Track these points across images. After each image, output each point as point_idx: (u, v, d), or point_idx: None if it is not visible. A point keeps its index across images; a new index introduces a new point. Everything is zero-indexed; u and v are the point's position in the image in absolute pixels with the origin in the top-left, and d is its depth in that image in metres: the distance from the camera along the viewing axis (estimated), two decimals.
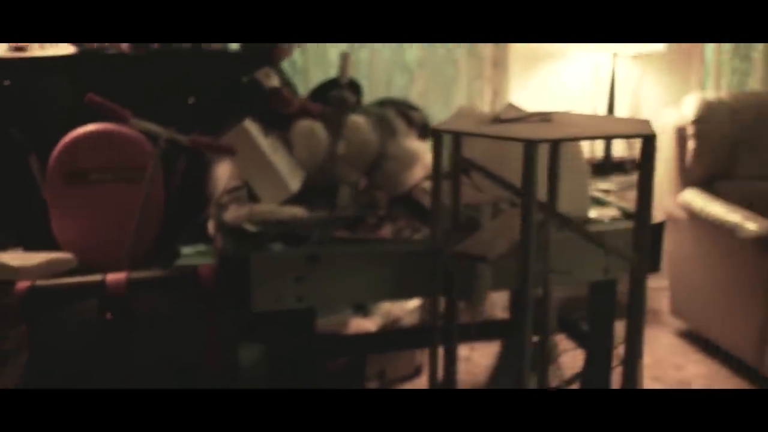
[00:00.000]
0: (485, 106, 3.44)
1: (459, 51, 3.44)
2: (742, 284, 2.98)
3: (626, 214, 2.24)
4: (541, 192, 1.99)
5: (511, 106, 2.77)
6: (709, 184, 3.33)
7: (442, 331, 1.93)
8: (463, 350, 3.13)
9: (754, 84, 3.83)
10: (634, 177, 3.53)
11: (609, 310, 2.33)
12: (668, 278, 3.52)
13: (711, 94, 3.36)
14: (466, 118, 1.86)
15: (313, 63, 3.31)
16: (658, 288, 3.84)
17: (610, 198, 2.49)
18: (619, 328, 3.20)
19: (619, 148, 3.72)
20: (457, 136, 1.86)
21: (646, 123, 1.75)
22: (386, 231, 2.16)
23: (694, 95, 3.34)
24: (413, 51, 3.42)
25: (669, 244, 3.47)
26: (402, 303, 2.92)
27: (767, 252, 2.82)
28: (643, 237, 1.71)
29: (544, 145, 2.01)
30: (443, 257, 1.81)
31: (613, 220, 2.24)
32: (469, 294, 1.95)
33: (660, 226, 2.27)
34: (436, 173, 1.76)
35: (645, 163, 1.67)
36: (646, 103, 3.73)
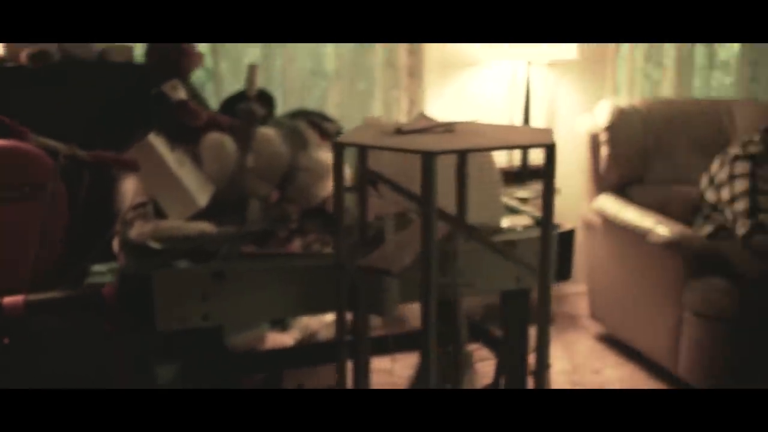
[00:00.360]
0: (402, 115, 3.43)
1: (375, 61, 3.43)
2: (655, 288, 3.04)
3: (539, 222, 2.25)
4: (451, 203, 1.99)
5: (422, 116, 2.76)
6: (622, 189, 3.38)
7: (351, 345, 1.91)
8: (384, 362, 3.12)
9: (666, 91, 3.91)
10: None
11: (522, 318, 2.33)
12: (586, 283, 3.56)
13: (623, 101, 3.42)
14: (370, 129, 1.84)
15: (229, 73, 3.26)
16: (578, 293, 3.90)
17: (527, 206, 2.50)
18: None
19: (538, 156, 3.76)
20: (363, 149, 1.84)
21: (548, 132, 1.76)
22: (296, 245, 2.12)
23: (606, 102, 3.39)
24: (329, 61, 3.40)
25: (586, 249, 3.51)
26: (320, 316, 2.88)
27: (677, 256, 2.87)
28: (547, 246, 1.71)
29: (451, 155, 2.02)
30: (348, 271, 1.79)
31: (526, 228, 2.25)
32: (377, 307, 1.93)
33: (570, 234, 2.29)
34: (337, 187, 1.73)
35: (546, 173, 1.67)
36: (562, 111, 3.78)
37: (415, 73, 3.41)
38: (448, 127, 1.79)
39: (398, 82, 3.43)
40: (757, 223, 2.72)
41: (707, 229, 3.03)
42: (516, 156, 3.63)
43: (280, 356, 2.58)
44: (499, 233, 2.17)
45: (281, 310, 2.08)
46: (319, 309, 2.09)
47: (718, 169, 2.98)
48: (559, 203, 3.79)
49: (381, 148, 1.62)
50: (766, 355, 2.72)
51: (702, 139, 3.47)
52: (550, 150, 1.65)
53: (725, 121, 3.53)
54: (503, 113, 3.63)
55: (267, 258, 2.02)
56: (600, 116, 3.35)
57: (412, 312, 3.27)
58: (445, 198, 2.04)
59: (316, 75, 3.44)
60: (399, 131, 1.75)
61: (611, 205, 3.26)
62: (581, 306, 3.81)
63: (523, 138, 1.73)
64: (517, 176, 3.53)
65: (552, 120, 3.76)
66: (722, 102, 3.61)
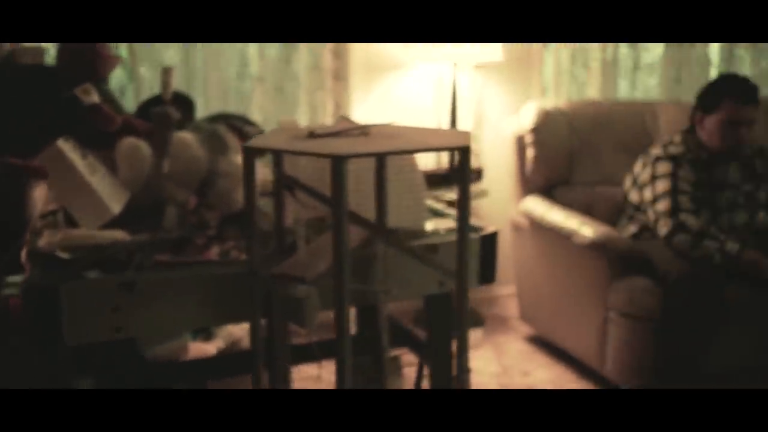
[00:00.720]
0: (328, 118, 3.39)
1: (300, 63, 3.39)
2: (581, 288, 3.05)
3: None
4: (372, 207, 1.96)
5: (343, 119, 2.72)
6: (549, 191, 3.40)
7: (267, 354, 1.86)
8: (311, 369, 3.07)
9: (592, 92, 3.96)
10: (480, 186, 3.57)
11: (445, 322, 2.31)
12: (515, 285, 3.57)
13: (549, 103, 3.44)
14: (283, 133, 1.79)
15: (150, 75, 3.17)
16: (509, 294, 3.91)
17: (453, 209, 2.49)
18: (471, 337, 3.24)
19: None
20: (278, 153, 1.79)
21: (464, 135, 1.74)
22: (214, 252, 2.06)
23: (532, 104, 3.41)
24: (253, 63, 3.34)
25: (514, 251, 3.52)
26: (243, 324, 2.82)
27: (602, 257, 2.89)
28: (464, 250, 1.69)
29: (371, 159, 1.98)
30: (262, 279, 1.74)
31: (449, 231, 2.23)
32: (296, 316, 1.89)
33: (493, 237, 2.27)
34: (249, 193, 1.68)
35: (461, 176, 1.65)
36: (489, 113, 3.79)
37: (340, 75, 3.38)
38: (363, 130, 1.76)
39: (323, 85, 3.39)
40: (679, 222, 2.75)
41: (631, 229, 3.06)
42: (445, 158, 3.62)
43: (201, 366, 2.52)
44: (422, 237, 2.15)
45: (197, 320, 2.02)
46: (237, 318, 2.03)
47: (640, 169, 3.01)
48: (489, 205, 3.81)
49: (291, 153, 1.58)
50: (690, 354, 2.74)
51: (627, 140, 3.50)
52: (465, 153, 1.63)
53: (649, 122, 3.57)
54: (430, 116, 3.62)
55: (182, 266, 1.95)
56: (525, 118, 3.36)
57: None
58: (367, 202, 2.01)
59: (239, 78, 3.38)
60: (312, 135, 1.71)
61: (538, 206, 3.27)
62: (512, 308, 3.82)
63: (438, 141, 1.70)
64: (445, 178, 3.51)
65: (479, 122, 3.77)
66: (646, 103, 3.66)
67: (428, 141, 1.68)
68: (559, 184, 3.42)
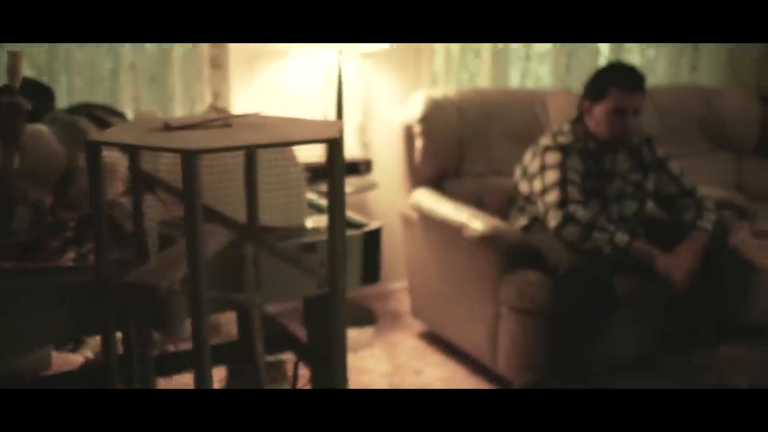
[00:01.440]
0: (206, 109, 3.20)
1: (175, 51, 3.18)
2: (472, 283, 2.97)
3: (349, 222, 2.10)
4: (240, 205, 1.81)
5: (213, 109, 2.53)
6: (439, 182, 3.31)
7: (126, 367, 1.69)
8: (185, 378, 2.89)
9: (484, 81, 3.88)
10: (370, 178, 3.45)
11: (326, 323, 2.18)
12: (407, 280, 3.47)
13: (438, 92, 3.34)
14: (137, 126, 1.62)
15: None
16: (402, 289, 3.81)
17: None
18: (356, 334, 3.14)
19: (353, 151, 3.63)
20: (134, 148, 1.62)
21: (335, 125, 1.60)
22: (68, 257, 1.87)
23: (420, 93, 3.30)
24: (125, 50, 3.11)
25: (405, 245, 3.42)
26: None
27: (491, 250, 2.81)
28: (335, 250, 1.56)
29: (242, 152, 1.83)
30: (113, 288, 1.56)
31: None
32: (163, 325, 1.72)
33: (376, 233, 2.15)
34: (94, 193, 1.50)
35: (330, 170, 1.52)
36: (378, 102, 3.67)
37: (219, 64, 3.19)
38: (226, 122, 1.61)
39: (201, 74, 3.20)
40: (568, 214, 2.69)
41: (522, 221, 2.99)
42: None
43: (60, 381, 2.30)
44: (300, 235, 2.01)
45: (45, 335, 1.82)
46: (89, 330, 1.84)
47: (530, 160, 2.94)
48: (380, 197, 3.70)
49: (137, 147, 1.41)
50: (581, 347, 2.70)
51: (517, 129, 3.45)
52: (334, 145, 1.50)
53: (540, 111, 3.53)
54: (316, 106, 3.48)
55: (30, 273, 1.76)
56: (414, 108, 3.25)
57: (227, 320, 3.06)
58: (237, 200, 1.86)
59: (108, 66, 3.15)
60: (167, 127, 1.54)
61: (427, 199, 3.17)
62: (406, 303, 3.72)
63: (306, 133, 1.56)
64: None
65: (368, 112, 3.65)
66: (537, 92, 3.62)
67: (294, 133, 1.54)
68: (450, 176, 3.33)
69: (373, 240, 2.15)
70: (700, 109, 4.05)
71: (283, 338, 2.48)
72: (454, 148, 3.30)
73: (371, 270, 2.15)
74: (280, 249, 1.78)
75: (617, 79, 2.78)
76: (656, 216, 3.05)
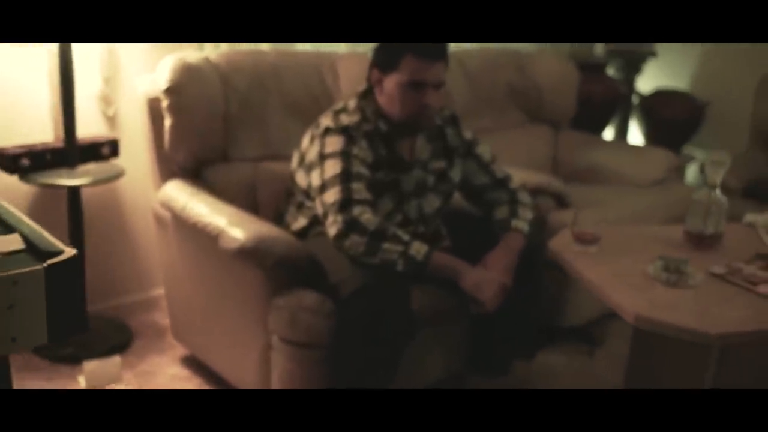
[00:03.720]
0: None
1: None
2: (237, 306, 2.32)
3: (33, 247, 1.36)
4: None
5: None
6: (199, 171, 2.61)
7: None
8: None
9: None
10: (116, 163, 2.69)
11: None
12: (165, 296, 2.76)
13: (196, 55, 2.61)
14: None
15: None
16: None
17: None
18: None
19: (96, 129, 2.84)
20: None
21: None
22: None
23: (170, 57, 2.56)
24: None
25: (160, 250, 2.71)
26: None
27: (255, 267, 2.15)
28: None
29: None
30: None
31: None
32: None
33: (68, 265, 1.42)
34: None
35: None
36: (128, 64, 2.88)
37: None
38: None
39: None
40: (351, 219, 2.08)
41: (301, 222, 2.36)
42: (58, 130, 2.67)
43: None
44: None
45: None
46: None
47: (308, 145, 2.30)
48: (131, 187, 2.93)
49: None
50: (372, 385, 2.11)
51: (301, 101, 2.79)
52: None
53: (330, 79, 2.88)
54: (41, 77, 2.66)
55: None
56: (161, 75, 2.51)
57: None
58: None
59: None
60: None
61: (180, 194, 2.46)
62: None
63: None
64: (63, 157, 2.59)
65: (114, 77, 2.86)
66: (325, 55, 2.96)
67: None
68: (214, 162, 2.63)
69: (64, 276, 1.42)
70: (514, 76, 3.56)
71: None
72: (218, 126, 2.60)
73: (67, 318, 1.43)
74: None
75: (412, 45, 2.18)
76: (465, 211, 2.51)
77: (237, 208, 2.37)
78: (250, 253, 2.13)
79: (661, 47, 4.48)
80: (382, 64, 2.24)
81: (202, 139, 2.56)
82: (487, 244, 2.28)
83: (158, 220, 2.62)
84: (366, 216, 2.09)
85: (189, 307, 2.59)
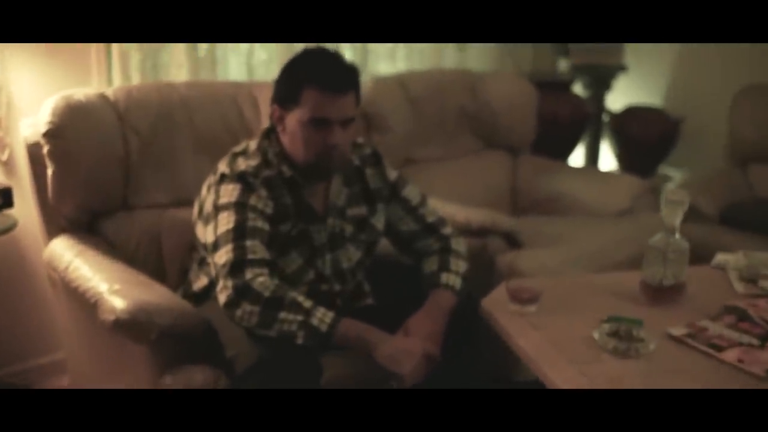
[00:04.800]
0: None
1: None
2: (129, 379, 2.00)
3: None
4: None
5: None
6: (94, 224, 2.30)
7: None
8: None
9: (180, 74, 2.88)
10: (10, 214, 2.38)
11: None
12: (68, 361, 2.45)
13: (86, 92, 2.30)
14: None
15: None
16: None
17: None
18: None
19: None
20: None
21: None
22: None
23: (56, 96, 2.25)
24: None
25: (56, 312, 2.39)
26: None
27: (137, 341, 1.84)
28: None
29: None
30: None
31: None
32: None
33: None
34: None
35: None
36: (26, 105, 2.56)
37: None
38: None
39: None
40: (243, 284, 1.76)
41: (203, 281, 2.05)
42: None
43: None
44: None
45: None
46: None
47: (206, 194, 1.99)
48: (27, 240, 2.61)
49: None
50: None
51: (216, 137, 2.47)
52: None
53: (249, 111, 2.56)
54: None
55: None
56: (44, 116, 2.20)
57: None
58: None
59: None
60: None
61: (65, 253, 2.14)
62: None
63: None
64: None
65: (6, 121, 2.54)
66: (242, 85, 2.65)
67: None
68: (113, 212, 2.32)
69: None
70: (465, 99, 3.25)
71: None
72: (115, 171, 2.29)
73: None
74: None
75: (314, 76, 1.87)
76: (393, 262, 2.20)
77: (129, 269, 2.06)
78: (128, 326, 1.81)
79: (631, 61, 4.18)
80: (281, 98, 1.93)
81: (94, 188, 2.25)
82: (417, 301, 1.97)
83: (50, 279, 2.31)
84: (260, 280, 1.77)
85: (87, 377, 2.27)
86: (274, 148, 1.97)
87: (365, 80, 2.98)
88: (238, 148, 2.02)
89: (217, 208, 1.90)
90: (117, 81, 2.68)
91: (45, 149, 2.18)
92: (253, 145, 2.00)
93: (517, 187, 3.34)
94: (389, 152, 2.90)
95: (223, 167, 1.96)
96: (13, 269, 2.62)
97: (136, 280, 1.98)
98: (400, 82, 3.02)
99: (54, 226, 2.25)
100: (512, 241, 2.62)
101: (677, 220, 1.89)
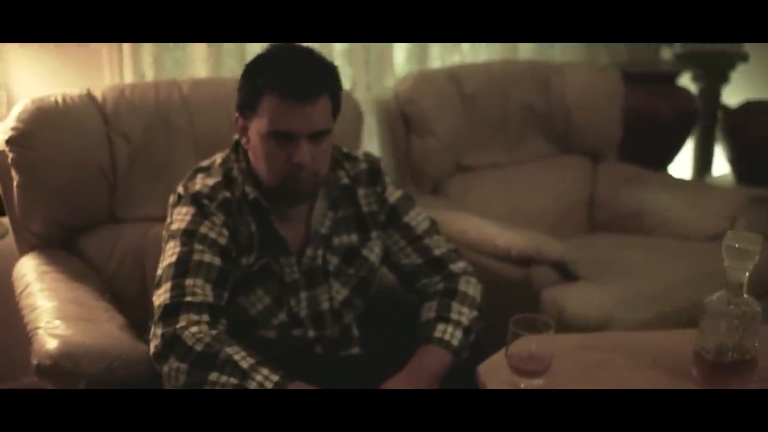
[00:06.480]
0: None
1: None
2: None
3: None
4: None
5: None
6: (71, 240, 2.05)
7: None
8: None
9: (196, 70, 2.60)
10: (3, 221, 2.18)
11: None
12: None
13: (62, 93, 2.04)
14: None
15: None
16: None
17: None
18: None
19: None
20: None
21: None
22: None
23: (32, 97, 2.01)
24: None
25: None
26: None
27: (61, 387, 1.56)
28: None
29: None
30: None
31: None
32: None
33: None
34: None
35: None
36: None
37: None
38: None
39: None
40: (173, 334, 1.44)
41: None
42: None
43: None
44: None
45: None
46: None
47: (168, 215, 1.69)
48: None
49: None
50: None
51: (221, 141, 2.10)
52: None
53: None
54: None
55: None
56: (9, 121, 1.96)
57: None
58: None
59: None
60: None
61: (28, 273, 1.90)
62: None
63: None
64: None
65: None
66: (229, 79, 2.31)
67: None
68: (95, 226, 2.06)
69: None
70: (535, 95, 2.80)
71: None
72: (98, 180, 2.03)
73: None
74: None
75: (272, 79, 1.52)
76: (392, 300, 1.83)
77: (88, 297, 1.79)
78: (49, 374, 1.54)
79: (753, 48, 3.57)
80: (240, 105, 1.59)
81: (69, 201, 1.99)
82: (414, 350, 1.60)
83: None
84: (193, 330, 1.45)
85: None
86: (240, 163, 1.64)
87: (408, 76, 2.61)
88: (205, 162, 1.70)
89: (168, 236, 1.60)
90: (129, 79, 2.44)
91: (9, 158, 1.93)
92: (218, 159, 1.68)
93: (595, 199, 2.87)
94: (432, 159, 2.54)
95: (180, 186, 1.65)
96: (8, 282, 2.42)
97: (83, 314, 1.70)
98: (452, 76, 2.62)
99: (23, 244, 2.01)
100: (565, 272, 2.18)
101: (743, 276, 1.41)
